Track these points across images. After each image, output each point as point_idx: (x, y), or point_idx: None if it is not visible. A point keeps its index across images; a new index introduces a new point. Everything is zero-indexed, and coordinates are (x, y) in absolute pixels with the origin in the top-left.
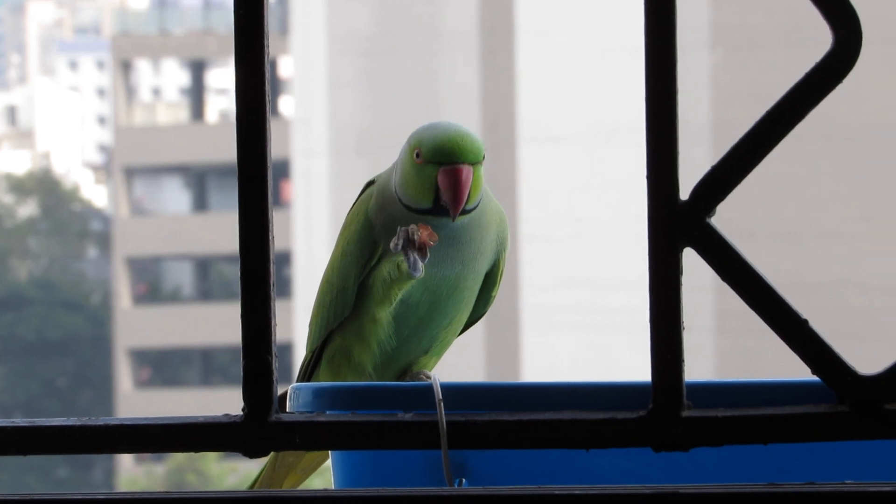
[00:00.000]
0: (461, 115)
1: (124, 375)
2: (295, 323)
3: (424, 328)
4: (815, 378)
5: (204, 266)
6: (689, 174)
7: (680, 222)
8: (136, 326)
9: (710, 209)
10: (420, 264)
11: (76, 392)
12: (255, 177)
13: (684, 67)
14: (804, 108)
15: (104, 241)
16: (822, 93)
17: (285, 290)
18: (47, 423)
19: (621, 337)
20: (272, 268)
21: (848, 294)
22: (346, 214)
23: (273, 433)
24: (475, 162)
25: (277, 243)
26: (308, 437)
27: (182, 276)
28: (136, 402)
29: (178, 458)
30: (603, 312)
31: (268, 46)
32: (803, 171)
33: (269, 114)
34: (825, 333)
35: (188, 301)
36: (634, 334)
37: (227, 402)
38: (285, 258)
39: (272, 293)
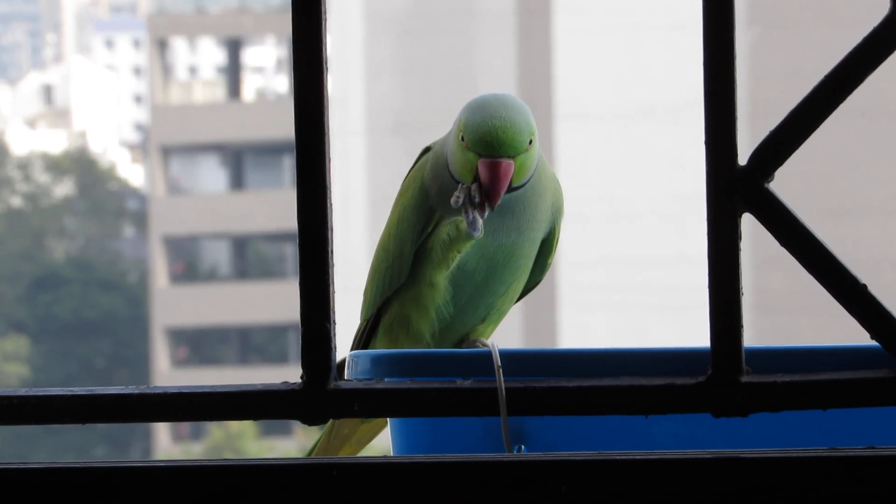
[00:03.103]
0: None
1: (161, 355)
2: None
3: (481, 296)
4: (873, 343)
5: (241, 245)
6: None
7: (739, 187)
8: (173, 305)
9: (769, 174)
10: (479, 223)
11: (113, 372)
12: (313, 141)
13: None
14: (862, 73)
15: (141, 220)
16: (881, 57)
17: None
18: (105, 392)
19: (657, 316)
20: (331, 235)
21: (886, 270)
22: (382, 192)
23: (332, 400)
24: (516, 154)
25: None
26: (367, 404)
27: (219, 255)
28: (173, 382)
29: (216, 436)
30: (639, 291)
31: (325, 12)
32: (843, 148)
33: (326, 71)
34: None
35: (225, 280)
36: (671, 313)
37: (264, 381)
38: None
39: (331, 260)
